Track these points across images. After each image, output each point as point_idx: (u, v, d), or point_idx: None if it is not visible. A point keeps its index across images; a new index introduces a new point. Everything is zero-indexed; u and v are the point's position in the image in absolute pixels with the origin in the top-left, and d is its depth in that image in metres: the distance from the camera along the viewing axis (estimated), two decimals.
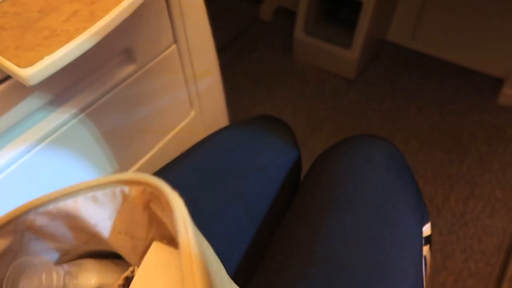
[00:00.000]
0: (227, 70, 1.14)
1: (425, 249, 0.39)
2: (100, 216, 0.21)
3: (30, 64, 0.33)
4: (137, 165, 0.65)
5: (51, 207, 0.19)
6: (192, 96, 0.69)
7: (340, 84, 1.19)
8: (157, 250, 0.22)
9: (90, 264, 0.24)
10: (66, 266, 0.23)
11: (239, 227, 0.39)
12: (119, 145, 0.60)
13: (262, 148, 0.43)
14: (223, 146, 0.43)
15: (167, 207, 0.18)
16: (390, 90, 1.18)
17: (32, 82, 0.33)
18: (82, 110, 0.51)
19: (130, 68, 0.55)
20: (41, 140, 0.48)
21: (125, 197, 0.20)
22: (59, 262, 0.24)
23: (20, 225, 0.20)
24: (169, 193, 0.18)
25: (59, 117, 0.49)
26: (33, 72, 0.33)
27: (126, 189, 0.20)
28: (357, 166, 0.39)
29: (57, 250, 0.23)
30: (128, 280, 0.24)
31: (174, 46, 0.59)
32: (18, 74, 0.33)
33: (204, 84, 0.69)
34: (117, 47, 0.51)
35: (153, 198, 0.20)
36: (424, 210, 0.40)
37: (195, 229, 0.19)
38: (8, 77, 0.41)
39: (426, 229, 0.39)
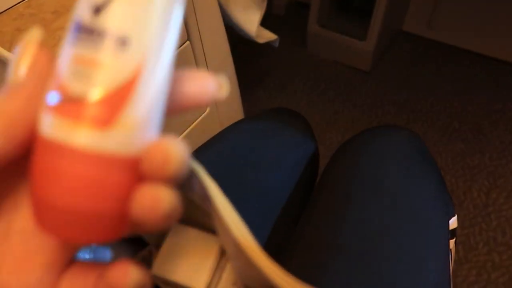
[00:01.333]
0: (240, 65, 1.13)
1: (451, 243, 0.38)
2: None
3: None
4: None
5: None
6: None
7: (355, 76, 1.17)
8: (178, 232, 0.22)
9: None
10: None
11: (257, 221, 0.38)
12: None
13: (278, 141, 0.43)
14: (238, 140, 0.42)
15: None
16: (407, 81, 1.15)
17: None
18: None
19: None
20: None
21: None
22: None
23: None
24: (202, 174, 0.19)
25: None
26: None
27: None
28: (378, 157, 0.38)
29: None
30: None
31: (187, 43, 0.59)
32: None
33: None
34: None
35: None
36: (449, 202, 0.39)
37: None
38: None
39: (452, 222, 0.38)
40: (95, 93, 0.13)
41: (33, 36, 0.15)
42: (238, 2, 0.77)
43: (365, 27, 1.08)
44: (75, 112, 0.13)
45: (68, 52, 0.14)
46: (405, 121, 1.07)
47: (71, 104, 0.13)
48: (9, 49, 0.35)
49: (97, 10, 0.14)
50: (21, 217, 0.17)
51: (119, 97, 0.14)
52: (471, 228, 0.88)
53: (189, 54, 0.61)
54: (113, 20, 0.14)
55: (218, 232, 0.24)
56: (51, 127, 0.14)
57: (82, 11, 0.14)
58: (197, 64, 0.63)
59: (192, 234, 0.24)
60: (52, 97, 0.14)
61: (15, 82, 0.14)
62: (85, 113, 0.13)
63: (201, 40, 0.61)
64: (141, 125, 0.14)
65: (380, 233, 0.34)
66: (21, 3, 0.40)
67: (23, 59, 0.14)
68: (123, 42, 0.14)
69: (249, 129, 0.43)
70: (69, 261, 0.18)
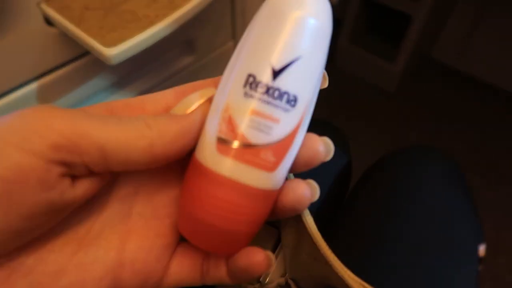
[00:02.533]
0: None
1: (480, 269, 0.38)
2: None
3: (113, 44, 0.35)
4: None
5: None
6: None
7: (380, 96, 1.18)
8: None
9: None
10: None
11: None
12: None
13: None
14: None
15: None
16: (430, 108, 1.16)
17: (114, 61, 0.35)
18: (141, 94, 0.53)
19: (189, 59, 0.56)
20: None
21: None
22: None
23: None
24: None
25: (120, 99, 0.50)
26: (116, 52, 0.34)
27: None
28: (414, 177, 0.39)
29: None
30: None
31: (232, 42, 0.61)
32: (102, 52, 0.34)
33: None
34: (180, 38, 0.53)
35: None
36: (480, 228, 0.39)
37: None
38: (84, 54, 0.43)
39: (482, 249, 0.38)
40: (269, 142, 0.16)
41: (208, 92, 0.18)
42: None
43: (395, 49, 1.08)
44: (250, 155, 0.16)
45: (245, 104, 0.16)
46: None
47: (247, 149, 0.16)
48: (78, 25, 0.36)
49: (276, 73, 0.16)
50: (141, 202, 0.19)
51: (284, 146, 0.17)
52: (492, 239, 0.87)
53: (232, 53, 0.62)
54: (289, 82, 0.16)
55: (283, 226, 0.24)
56: (220, 162, 0.16)
57: (261, 72, 0.16)
58: None
59: None
60: (227, 139, 0.16)
61: (180, 111, 0.18)
62: (258, 158, 0.16)
63: None
64: (289, 168, 0.18)
65: (413, 253, 0.34)
66: None
67: (195, 100, 0.18)
68: (294, 100, 0.17)
69: None
70: (178, 243, 0.20)
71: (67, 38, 0.39)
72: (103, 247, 0.18)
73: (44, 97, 0.42)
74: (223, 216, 0.17)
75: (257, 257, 0.18)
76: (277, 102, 0.16)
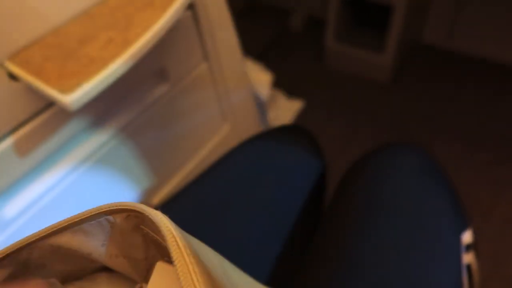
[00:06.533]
0: None
1: (468, 257, 0.38)
2: (92, 245, 0.21)
3: (71, 90, 0.36)
4: (176, 179, 0.67)
5: (42, 243, 0.20)
6: (225, 110, 0.71)
7: (375, 89, 1.17)
8: (161, 271, 0.22)
9: (102, 278, 0.24)
10: (77, 283, 0.24)
11: (267, 237, 0.39)
12: (157, 161, 0.62)
13: (285, 160, 0.44)
14: (246, 158, 0.44)
15: (155, 226, 0.18)
16: (427, 93, 1.14)
17: (73, 107, 0.36)
18: (120, 130, 0.54)
19: (164, 87, 0.57)
20: (85, 159, 0.51)
21: (112, 224, 0.21)
22: (70, 280, 0.25)
23: (18, 258, 0.20)
24: (150, 213, 0.18)
25: (99, 138, 0.52)
26: (74, 98, 0.36)
27: (110, 218, 0.20)
28: (386, 174, 0.39)
29: (64, 272, 0.23)
30: None
31: (205, 63, 0.62)
32: (60, 100, 0.36)
33: (236, 98, 0.71)
34: (151, 68, 0.54)
35: (141, 221, 0.20)
36: (463, 216, 0.39)
37: (189, 238, 0.19)
38: (52, 104, 0.44)
39: (467, 236, 0.38)
40: None
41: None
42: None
43: (383, 39, 1.08)
44: None
45: None
46: (427, 134, 1.05)
47: None
48: (39, 76, 0.38)
49: None
50: None
51: None
52: (499, 242, 0.85)
53: (207, 73, 0.63)
54: None
55: None
56: None
57: None
58: (215, 83, 0.65)
59: (176, 272, 0.24)
60: None
61: None
62: None
63: (218, 59, 0.63)
64: None
65: (394, 250, 0.34)
66: (49, 34, 0.43)
67: None
68: None
69: (256, 149, 0.45)
70: None
71: (34, 90, 0.41)
72: None
73: (22, 148, 0.43)
74: None
75: None
76: None
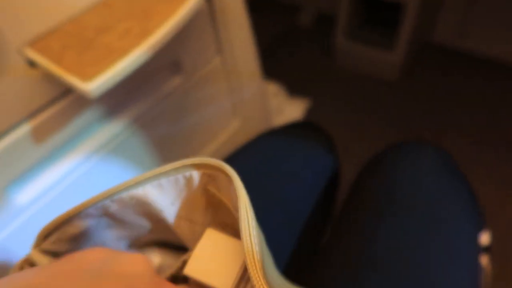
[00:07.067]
0: (268, 77, 1.15)
1: (484, 260, 0.37)
2: (165, 202, 0.22)
3: (91, 79, 0.36)
4: None
5: (124, 195, 0.22)
6: (236, 105, 0.71)
7: (383, 87, 1.17)
8: (211, 236, 0.23)
9: (153, 249, 0.26)
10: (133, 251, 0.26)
11: (280, 233, 0.39)
12: (168, 152, 0.62)
13: (299, 156, 0.43)
14: (260, 152, 0.43)
15: (224, 185, 0.20)
16: (436, 92, 1.14)
17: (94, 95, 0.36)
18: (134, 121, 0.54)
19: (178, 79, 0.57)
20: (98, 149, 0.51)
21: (186, 182, 0.22)
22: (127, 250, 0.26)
23: (97, 211, 0.22)
24: (229, 170, 0.20)
25: (113, 128, 0.52)
26: (94, 86, 0.36)
27: (188, 174, 0.21)
28: (404, 172, 0.38)
29: (125, 238, 0.25)
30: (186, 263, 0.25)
31: (219, 57, 0.62)
32: (81, 88, 0.36)
33: (248, 93, 0.71)
34: (166, 60, 0.54)
35: (210, 180, 0.21)
36: (480, 217, 0.38)
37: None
38: (71, 91, 0.44)
39: (484, 238, 0.38)
40: None
41: None
42: None
43: (393, 37, 1.07)
44: None
45: None
46: (435, 132, 1.05)
47: None
48: (59, 64, 0.38)
49: None
50: None
51: None
52: (507, 242, 0.85)
53: (220, 67, 0.63)
54: None
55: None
56: None
57: None
58: (228, 77, 0.66)
59: (223, 239, 0.25)
60: None
61: None
62: None
63: (232, 53, 0.63)
64: None
65: (411, 248, 0.34)
66: (67, 23, 0.43)
67: None
68: None
69: (269, 144, 0.44)
70: None
71: (52, 77, 0.41)
72: None
73: (38, 135, 0.44)
74: None
75: None
76: None
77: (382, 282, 0.32)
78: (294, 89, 1.19)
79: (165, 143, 0.61)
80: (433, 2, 1.11)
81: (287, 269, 0.39)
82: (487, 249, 0.38)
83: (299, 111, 1.12)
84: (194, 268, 0.24)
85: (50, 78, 0.42)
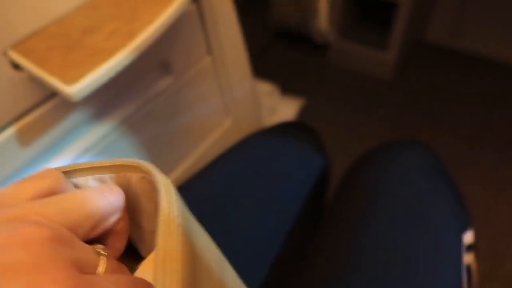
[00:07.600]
0: (262, 77, 1.15)
1: (469, 258, 0.38)
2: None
3: (75, 81, 0.36)
4: (177, 172, 0.67)
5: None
6: (227, 104, 0.71)
7: (378, 86, 1.17)
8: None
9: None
10: None
11: (270, 232, 0.39)
12: (158, 153, 0.62)
13: (288, 156, 0.43)
14: (251, 152, 0.43)
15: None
16: (431, 91, 1.14)
17: (76, 98, 0.36)
18: (122, 122, 0.54)
19: (168, 79, 0.57)
20: (86, 151, 0.51)
21: (128, 182, 0.20)
22: None
23: None
24: (155, 173, 0.17)
25: (101, 129, 0.52)
26: (77, 88, 0.36)
27: (127, 174, 0.20)
28: (390, 171, 0.39)
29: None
30: None
31: (208, 57, 0.61)
32: (63, 91, 0.36)
33: (239, 92, 0.71)
34: (154, 61, 0.54)
35: (154, 187, 0.19)
36: (465, 216, 0.39)
37: (191, 223, 0.18)
38: (55, 94, 0.44)
39: (468, 237, 0.38)
40: None
41: None
42: None
43: (386, 37, 1.07)
44: None
45: None
46: (430, 132, 1.05)
47: None
48: (43, 66, 0.37)
49: None
50: None
51: None
52: (499, 242, 0.85)
53: (210, 67, 0.63)
54: None
55: None
56: None
57: None
58: (218, 76, 0.65)
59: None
60: None
61: None
62: None
63: (221, 53, 0.63)
64: None
65: (399, 247, 0.34)
66: (52, 24, 0.42)
67: None
68: None
69: (259, 144, 0.44)
70: None
71: (36, 80, 0.41)
72: None
73: (24, 138, 0.43)
74: None
75: None
76: None
77: (370, 281, 0.32)
78: (288, 88, 1.18)
79: (155, 144, 0.61)
80: (426, 1, 1.10)
81: (275, 268, 0.39)
82: (471, 248, 0.38)
83: (293, 110, 1.12)
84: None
85: (36, 80, 0.41)
